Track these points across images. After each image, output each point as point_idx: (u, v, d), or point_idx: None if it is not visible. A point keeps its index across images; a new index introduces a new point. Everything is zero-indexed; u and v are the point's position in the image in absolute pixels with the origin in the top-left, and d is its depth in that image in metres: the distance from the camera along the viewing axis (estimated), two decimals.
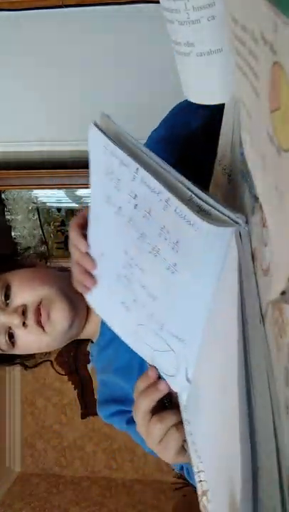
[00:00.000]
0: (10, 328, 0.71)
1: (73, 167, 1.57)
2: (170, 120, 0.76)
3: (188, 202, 0.39)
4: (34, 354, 0.81)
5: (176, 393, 0.54)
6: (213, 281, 0.41)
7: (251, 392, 0.31)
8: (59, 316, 0.71)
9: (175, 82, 0.57)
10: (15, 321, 0.70)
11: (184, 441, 0.53)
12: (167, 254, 0.43)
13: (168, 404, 0.55)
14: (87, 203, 2.10)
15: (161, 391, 0.53)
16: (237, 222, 0.38)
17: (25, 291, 0.72)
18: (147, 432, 0.54)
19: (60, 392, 3.03)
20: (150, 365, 0.56)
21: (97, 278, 0.58)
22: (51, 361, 0.89)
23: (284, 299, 0.27)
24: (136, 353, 0.70)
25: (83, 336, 0.78)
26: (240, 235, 0.37)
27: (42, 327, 0.70)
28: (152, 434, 0.53)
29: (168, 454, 0.54)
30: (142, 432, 0.55)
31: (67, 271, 0.83)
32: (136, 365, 0.70)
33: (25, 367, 0.85)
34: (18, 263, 0.81)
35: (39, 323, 0.70)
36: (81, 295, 0.75)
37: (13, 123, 1.50)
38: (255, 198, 0.40)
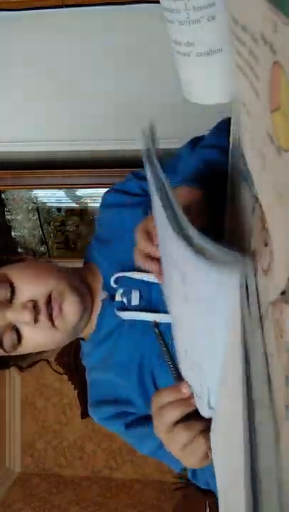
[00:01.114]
0: (15, 325, 0.67)
1: (73, 167, 1.57)
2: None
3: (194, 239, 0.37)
4: (29, 354, 0.76)
5: None
6: (221, 319, 0.40)
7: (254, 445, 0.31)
8: (71, 309, 0.68)
9: (175, 82, 0.57)
10: (26, 317, 0.65)
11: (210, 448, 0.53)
12: (179, 284, 0.43)
13: (192, 414, 0.55)
14: (87, 202, 2.11)
15: (193, 406, 0.53)
16: (240, 262, 0.35)
17: (32, 285, 0.67)
18: (171, 439, 0.54)
19: (60, 392, 3.03)
20: (180, 380, 0.55)
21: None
22: (47, 360, 0.86)
23: (284, 299, 0.27)
24: (136, 351, 0.69)
25: (83, 333, 0.76)
26: (245, 283, 0.36)
27: (52, 322, 0.66)
28: (177, 440, 0.53)
29: (193, 460, 0.54)
30: (162, 437, 0.55)
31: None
32: (135, 364, 0.69)
33: (21, 368, 0.81)
34: (4, 259, 0.76)
35: (50, 318, 0.66)
36: (87, 288, 0.74)
37: (13, 123, 1.50)
38: (255, 198, 0.40)
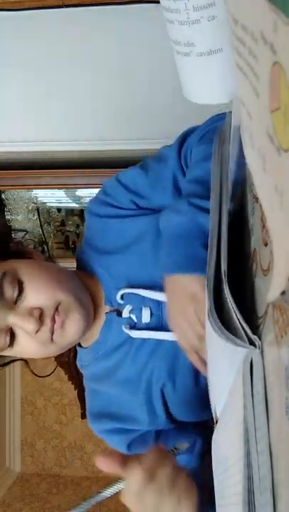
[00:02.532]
0: (11, 328, 0.63)
1: (73, 167, 1.57)
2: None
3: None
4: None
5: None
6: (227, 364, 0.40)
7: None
8: (73, 327, 0.64)
9: (175, 82, 0.57)
10: (30, 326, 0.61)
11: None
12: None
13: (175, 451, 0.54)
14: (87, 202, 2.10)
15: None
16: (252, 343, 0.35)
17: (43, 292, 0.63)
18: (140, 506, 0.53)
19: (60, 392, 3.02)
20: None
21: None
22: (26, 361, 0.83)
23: (284, 298, 0.27)
24: (145, 369, 0.67)
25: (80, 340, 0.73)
26: (251, 361, 0.35)
27: (52, 334, 0.63)
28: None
29: None
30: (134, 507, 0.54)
31: (52, 262, 0.78)
32: (143, 382, 0.68)
33: None
34: (12, 250, 0.72)
35: (51, 331, 0.63)
36: (92, 297, 0.70)
37: (13, 123, 1.50)
38: (255, 198, 0.40)
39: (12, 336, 0.63)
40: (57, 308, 0.63)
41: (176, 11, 0.43)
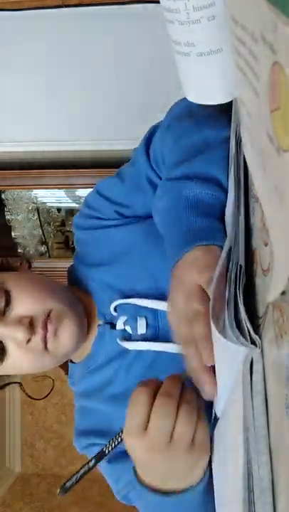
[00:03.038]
0: (1, 342, 0.60)
1: (73, 167, 1.57)
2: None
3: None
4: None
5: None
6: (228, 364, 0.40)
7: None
8: (67, 334, 0.62)
9: (175, 83, 0.57)
10: (20, 335, 0.58)
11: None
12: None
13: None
14: None
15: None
16: (253, 343, 0.35)
17: (32, 300, 0.61)
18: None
19: (60, 392, 3.02)
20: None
21: None
22: (20, 383, 0.80)
23: (284, 299, 0.27)
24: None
25: (72, 355, 0.70)
26: (251, 360, 0.35)
27: (45, 344, 0.60)
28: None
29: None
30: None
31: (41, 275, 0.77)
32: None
33: None
34: None
35: (44, 339, 0.60)
36: (85, 311, 0.68)
37: (13, 123, 1.50)
38: (256, 198, 0.40)
39: (2, 350, 0.60)
40: (48, 316, 0.61)
41: (176, 11, 0.43)
